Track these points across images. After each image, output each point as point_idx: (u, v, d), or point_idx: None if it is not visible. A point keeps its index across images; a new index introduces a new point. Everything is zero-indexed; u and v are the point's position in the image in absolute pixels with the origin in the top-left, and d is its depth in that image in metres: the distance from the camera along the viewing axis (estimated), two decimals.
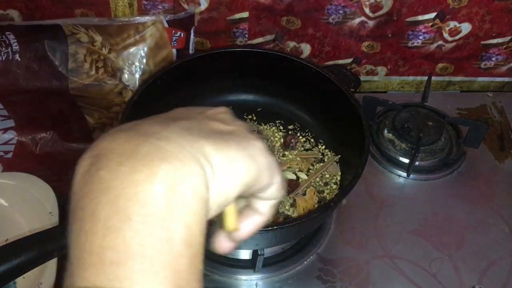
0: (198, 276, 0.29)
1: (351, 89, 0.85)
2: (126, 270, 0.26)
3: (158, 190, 0.28)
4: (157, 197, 0.28)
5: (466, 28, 0.93)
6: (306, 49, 0.97)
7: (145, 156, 0.28)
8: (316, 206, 0.77)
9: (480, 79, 1.03)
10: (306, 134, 0.87)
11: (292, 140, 0.84)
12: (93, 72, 0.87)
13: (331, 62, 0.98)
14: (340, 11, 0.90)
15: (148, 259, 0.27)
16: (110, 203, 0.27)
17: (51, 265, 0.67)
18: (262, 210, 0.38)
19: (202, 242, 0.29)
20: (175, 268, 0.27)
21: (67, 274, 0.29)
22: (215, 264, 0.74)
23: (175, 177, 0.28)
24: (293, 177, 0.80)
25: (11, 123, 0.83)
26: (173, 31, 0.88)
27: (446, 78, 1.03)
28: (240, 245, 0.39)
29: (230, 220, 0.36)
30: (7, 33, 0.84)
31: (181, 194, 0.28)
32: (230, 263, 0.76)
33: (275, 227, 0.62)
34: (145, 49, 0.88)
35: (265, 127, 0.88)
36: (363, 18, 0.92)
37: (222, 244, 0.38)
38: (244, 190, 0.33)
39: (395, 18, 0.92)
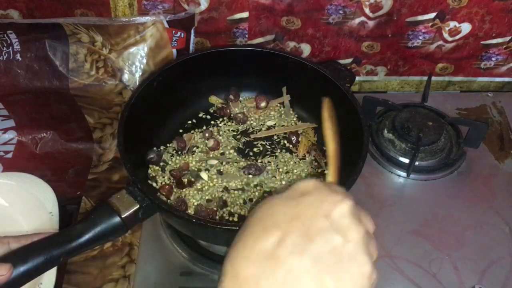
0: None
1: (346, 84, 0.85)
2: None
3: None
4: None
5: (466, 28, 0.93)
6: (306, 49, 0.97)
7: None
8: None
9: (480, 79, 1.03)
10: (304, 131, 0.87)
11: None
12: (93, 72, 0.88)
13: None
14: (340, 11, 0.90)
15: None
16: None
17: None
18: None
19: None
20: None
21: None
22: (215, 264, 0.74)
23: None
24: None
25: (11, 123, 0.84)
26: (174, 31, 0.89)
27: (446, 78, 1.03)
28: None
29: None
30: (8, 32, 0.84)
31: None
32: None
33: None
34: (146, 49, 0.88)
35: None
36: (363, 18, 0.92)
37: None
38: None
39: (395, 18, 0.92)
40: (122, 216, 0.62)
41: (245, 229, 0.42)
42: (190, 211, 0.75)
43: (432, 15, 0.91)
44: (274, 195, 0.45)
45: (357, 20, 0.92)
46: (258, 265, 0.39)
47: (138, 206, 0.63)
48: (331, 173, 0.55)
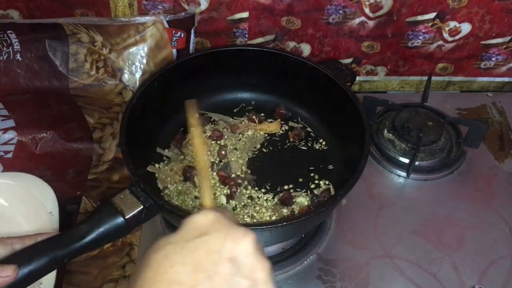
0: None
1: (347, 84, 0.85)
2: None
3: None
4: None
5: (466, 28, 0.93)
6: (306, 49, 0.97)
7: None
8: None
9: (480, 79, 1.03)
10: (306, 131, 0.87)
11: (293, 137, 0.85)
12: (93, 72, 0.88)
13: None
14: (340, 11, 0.90)
15: None
16: None
17: None
18: None
19: None
20: None
21: None
22: None
23: None
24: None
25: (11, 123, 0.83)
26: (174, 31, 0.88)
27: (446, 78, 1.03)
28: None
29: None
30: (8, 32, 0.84)
31: None
32: None
33: (278, 224, 0.63)
34: (146, 49, 0.88)
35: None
36: (363, 18, 0.92)
37: None
38: None
39: (395, 18, 0.92)
40: (126, 217, 0.62)
41: (143, 281, 0.39)
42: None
43: (432, 15, 0.91)
44: (167, 236, 0.42)
45: (357, 20, 0.92)
46: None
47: (142, 206, 0.63)
48: (207, 195, 0.50)
